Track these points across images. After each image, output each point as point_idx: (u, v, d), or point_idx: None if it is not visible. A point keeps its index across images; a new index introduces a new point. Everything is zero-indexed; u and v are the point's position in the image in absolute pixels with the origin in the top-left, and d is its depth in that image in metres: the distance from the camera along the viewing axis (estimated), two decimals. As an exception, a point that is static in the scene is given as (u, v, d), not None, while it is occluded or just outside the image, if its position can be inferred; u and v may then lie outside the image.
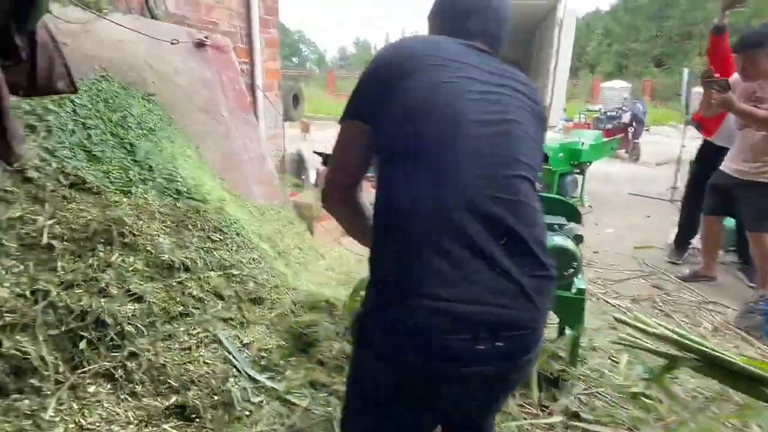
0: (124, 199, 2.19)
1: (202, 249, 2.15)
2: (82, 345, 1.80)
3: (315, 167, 5.23)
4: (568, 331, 2.27)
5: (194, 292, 2.03)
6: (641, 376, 2.19)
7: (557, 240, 2.00)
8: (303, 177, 5.11)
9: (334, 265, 3.56)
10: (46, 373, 1.73)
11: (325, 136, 11.87)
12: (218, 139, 3.32)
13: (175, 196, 2.34)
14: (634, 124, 9.63)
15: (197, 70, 3.33)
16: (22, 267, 1.95)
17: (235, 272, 2.16)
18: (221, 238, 2.25)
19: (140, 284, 1.95)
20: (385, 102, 0.93)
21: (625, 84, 17.97)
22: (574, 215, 2.27)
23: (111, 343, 1.83)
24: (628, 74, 31.14)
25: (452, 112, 0.91)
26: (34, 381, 1.73)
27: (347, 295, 2.61)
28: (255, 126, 3.72)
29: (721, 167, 3.42)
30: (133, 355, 1.83)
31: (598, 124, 10.15)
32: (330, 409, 1.83)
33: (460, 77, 0.93)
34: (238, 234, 2.33)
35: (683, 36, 36.87)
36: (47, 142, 2.22)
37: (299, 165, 5.01)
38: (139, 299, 1.93)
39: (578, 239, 2.08)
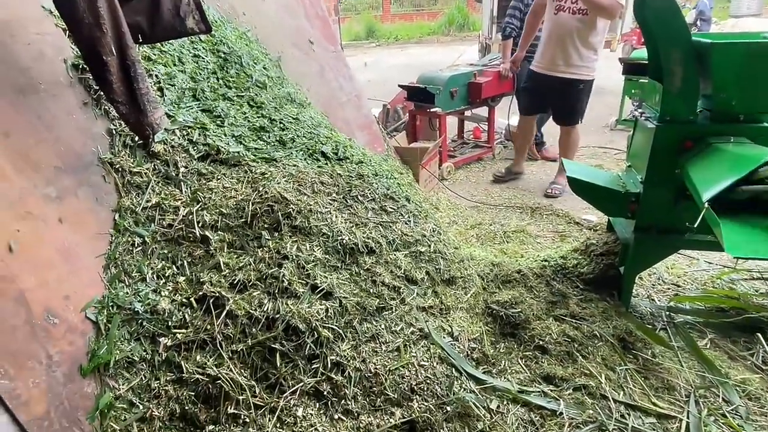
0: (272, 170, 1.74)
1: (381, 225, 1.72)
2: (277, 360, 1.44)
3: (385, 103, 4.65)
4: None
5: (386, 280, 1.63)
6: None
7: None
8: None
9: (453, 216, 3.14)
10: (242, 397, 1.40)
11: (355, 63, 10.96)
12: (314, 80, 2.78)
13: (324, 161, 1.87)
14: (698, 23, 8.63)
15: (280, -6, 2.70)
16: (175, 269, 1.56)
17: (422, 249, 1.75)
18: (395, 207, 1.81)
19: (325, 277, 1.55)
20: None
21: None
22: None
23: (309, 353, 1.46)
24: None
25: None
26: (229, 408, 1.40)
27: (530, 259, 2.22)
28: (344, 60, 3.14)
29: (532, 68, 3.50)
30: (336, 366, 1.47)
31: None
32: (591, 412, 1.49)
33: None
34: (408, 200, 1.89)
35: None
36: (161, 104, 1.73)
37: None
38: (327, 296, 1.54)
39: None
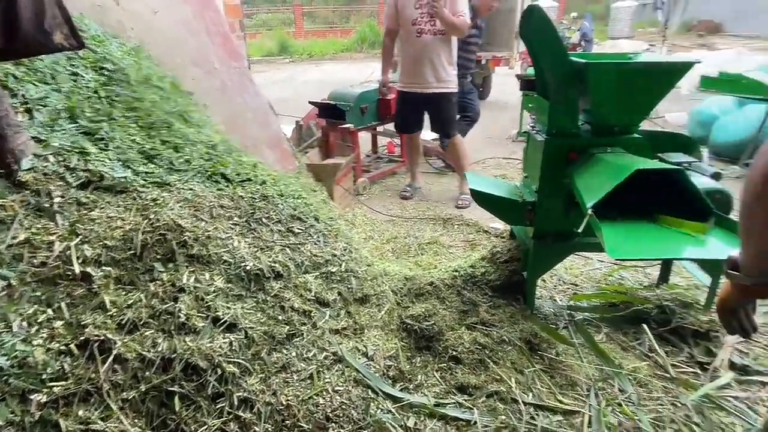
0: (164, 195, 1.61)
1: (288, 248, 1.66)
2: (176, 403, 1.32)
3: (298, 120, 4.58)
4: (700, 278, 2.11)
5: (296, 304, 1.57)
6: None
7: (707, 182, 1.75)
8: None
9: (369, 231, 3.14)
10: (136, 450, 1.25)
11: (268, 79, 10.76)
12: (215, 97, 2.66)
13: (224, 183, 1.77)
14: (582, 43, 9.61)
15: (176, 9, 2.56)
16: (51, 312, 1.37)
17: (333, 269, 1.71)
18: (303, 228, 1.75)
19: (228, 307, 1.46)
20: None
21: (554, 3, 17.90)
22: (692, 148, 2.03)
23: (213, 392, 1.36)
24: (541, -7, 31.22)
25: None
26: (121, 464, 1.25)
27: (441, 270, 2.26)
28: (249, 77, 3.04)
29: (402, 89, 3.66)
30: (244, 402, 1.38)
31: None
32: (504, 417, 1.53)
33: None
34: (317, 219, 1.84)
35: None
36: (30, 127, 1.54)
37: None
38: (230, 327, 1.44)
39: (718, 176, 1.85)
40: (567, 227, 1.89)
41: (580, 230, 1.37)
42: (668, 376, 1.78)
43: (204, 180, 1.75)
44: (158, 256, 1.47)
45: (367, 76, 7.24)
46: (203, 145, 1.88)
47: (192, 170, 1.76)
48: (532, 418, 1.56)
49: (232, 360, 1.40)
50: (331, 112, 3.81)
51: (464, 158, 3.76)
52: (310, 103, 4.05)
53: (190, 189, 1.66)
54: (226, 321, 1.43)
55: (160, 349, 1.34)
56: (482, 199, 1.97)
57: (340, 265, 1.74)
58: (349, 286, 1.73)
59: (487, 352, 1.76)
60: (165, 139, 1.78)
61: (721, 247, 1.25)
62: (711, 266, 1.94)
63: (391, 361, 1.68)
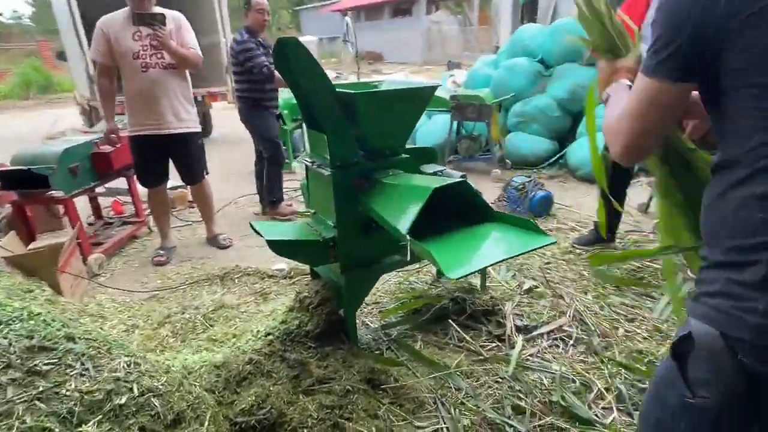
0: None
1: (39, 400, 1.07)
2: None
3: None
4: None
5: (79, 479, 1.04)
6: (508, 276, 2.63)
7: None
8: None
9: (129, 319, 2.47)
10: None
11: None
12: None
13: None
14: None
15: None
16: None
17: (123, 400, 1.20)
18: (54, 360, 1.17)
19: None
20: None
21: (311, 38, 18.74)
22: (435, 157, 2.33)
23: None
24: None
25: None
26: None
27: (251, 339, 1.93)
28: None
29: (134, 133, 3.05)
30: None
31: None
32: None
33: None
34: (72, 339, 1.26)
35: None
36: None
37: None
38: None
39: (464, 178, 2.18)
40: (371, 253, 1.89)
41: (408, 258, 1.36)
42: (483, 357, 1.99)
43: None
44: None
45: (50, 128, 5.84)
46: None
47: None
48: (404, 460, 1.48)
49: None
50: (22, 180, 2.83)
51: (212, 201, 3.53)
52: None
53: None
54: None
55: None
56: (281, 247, 1.78)
57: (131, 388, 1.26)
58: (152, 411, 1.26)
59: (337, 411, 1.59)
60: None
61: (526, 239, 1.45)
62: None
63: (237, 482, 1.32)
